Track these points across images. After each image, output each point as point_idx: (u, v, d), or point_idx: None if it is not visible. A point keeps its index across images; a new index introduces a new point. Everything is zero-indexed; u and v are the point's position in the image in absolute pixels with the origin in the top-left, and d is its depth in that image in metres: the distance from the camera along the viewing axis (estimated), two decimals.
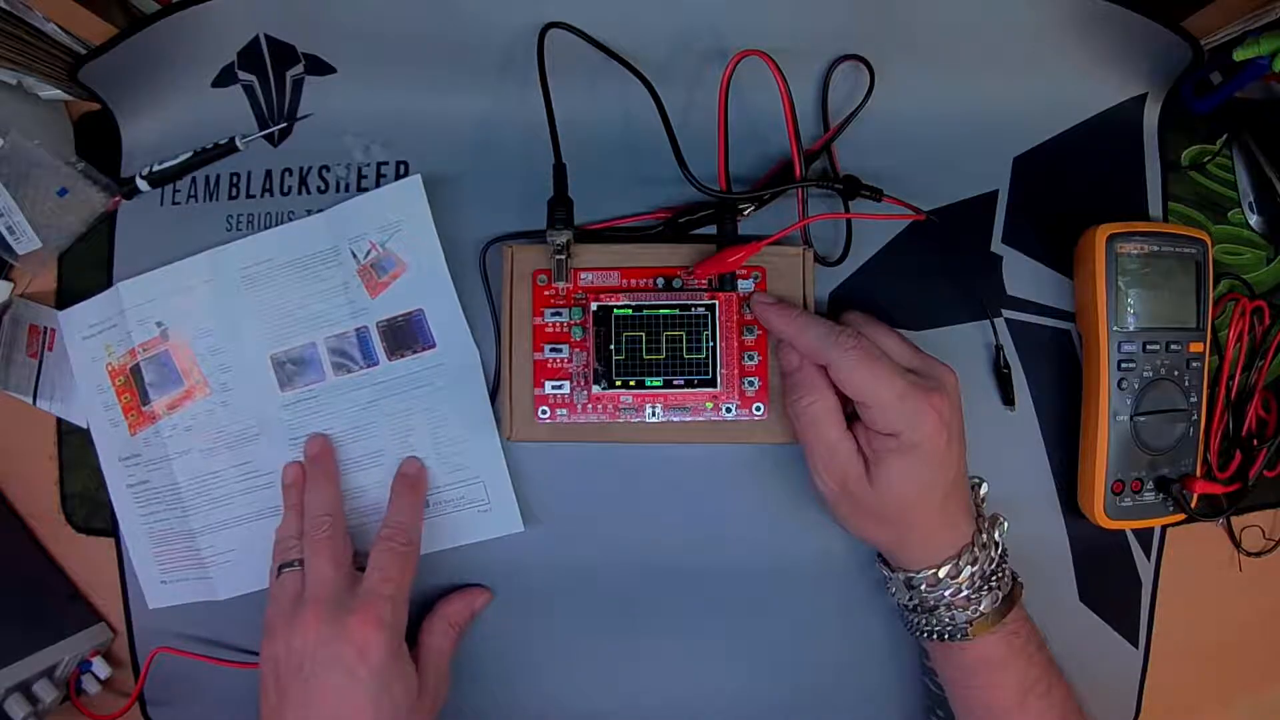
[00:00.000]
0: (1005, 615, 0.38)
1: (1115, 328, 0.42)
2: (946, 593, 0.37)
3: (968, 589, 0.37)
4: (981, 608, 0.37)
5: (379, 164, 0.45)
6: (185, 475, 0.44)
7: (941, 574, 0.37)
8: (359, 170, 0.45)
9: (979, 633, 0.37)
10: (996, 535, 0.39)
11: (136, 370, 0.45)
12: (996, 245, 0.45)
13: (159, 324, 0.44)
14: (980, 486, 0.42)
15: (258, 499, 0.44)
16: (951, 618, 0.38)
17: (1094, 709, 0.44)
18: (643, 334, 0.41)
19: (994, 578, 0.38)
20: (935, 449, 0.36)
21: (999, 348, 0.44)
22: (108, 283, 0.45)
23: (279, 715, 0.37)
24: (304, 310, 0.44)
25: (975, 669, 0.38)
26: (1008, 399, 0.44)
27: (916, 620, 0.39)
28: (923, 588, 0.38)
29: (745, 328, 0.42)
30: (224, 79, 0.45)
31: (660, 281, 0.42)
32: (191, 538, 0.44)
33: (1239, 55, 0.41)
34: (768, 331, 0.41)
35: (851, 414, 0.38)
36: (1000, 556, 0.39)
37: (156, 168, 0.45)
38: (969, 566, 0.37)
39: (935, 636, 0.38)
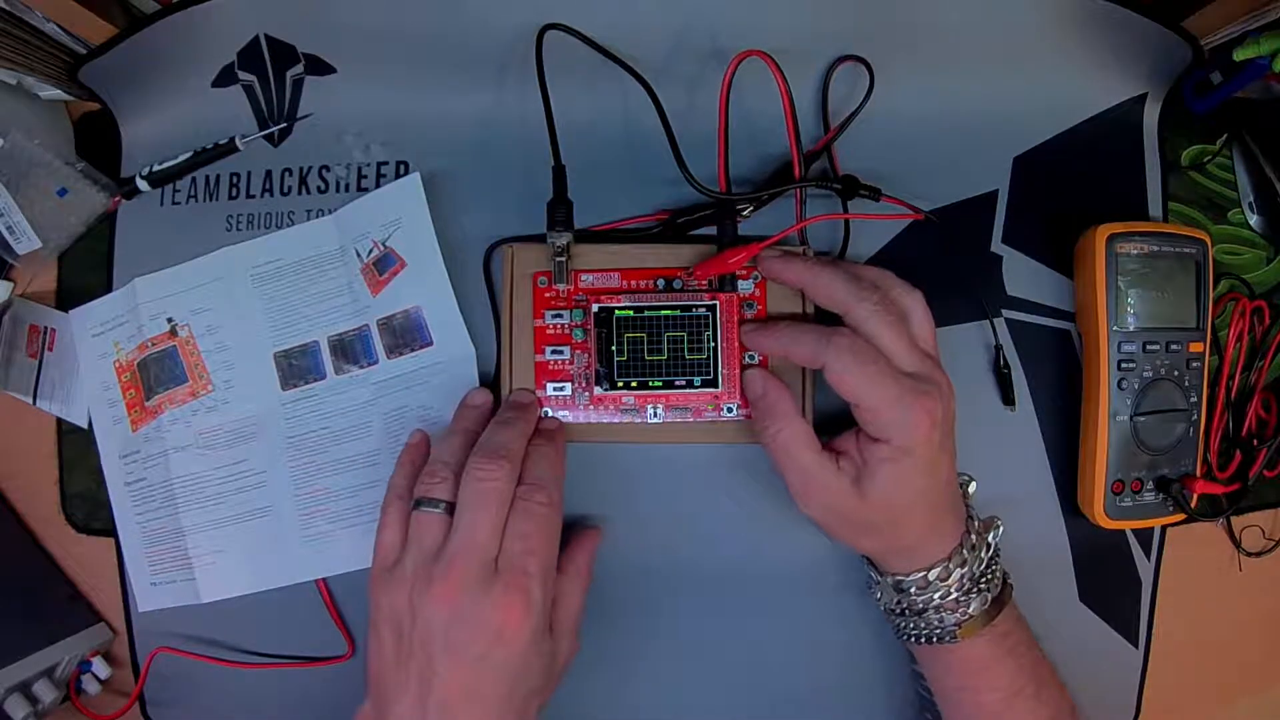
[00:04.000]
0: (995, 617, 0.37)
1: (1115, 328, 0.42)
2: (936, 595, 0.37)
3: (957, 591, 0.37)
4: (970, 610, 0.37)
5: (379, 164, 0.45)
6: (180, 472, 0.44)
7: (931, 576, 0.37)
8: (359, 170, 0.45)
9: (968, 634, 0.37)
10: (990, 538, 0.39)
11: (144, 365, 0.45)
12: (996, 245, 0.45)
13: (169, 320, 0.45)
14: (969, 485, 0.42)
15: (248, 499, 0.44)
16: (940, 620, 0.37)
17: (1094, 709, 0.44)
18: (644, 335, 0.41)
19: (984, 579, 0.38)
20: (927, 455, 0.35)
21: (999, 348, 0.44)
22: (108, 282, 0.46)
23: (398, 675, 0.34)
24: (309, 309, 0.44)
25: (964, 671, 0.38)
26: (1008, 399, 0.44)
27: (904, 624, 0.39)
28: (912, 591, 0.38)
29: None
30: (224, 79, 0.45)
31: (661, 282, 0.42)
32: (180, 536, 0.44)
33: (1239, 55, 0.41)
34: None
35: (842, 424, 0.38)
36: (990, 558, 0.39)
37: (156, 168, 0.45)
38: (958, 569, 0.37)
39: (924, 640, 0.38)
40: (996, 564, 0.39)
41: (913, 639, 0.39)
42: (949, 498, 0.38)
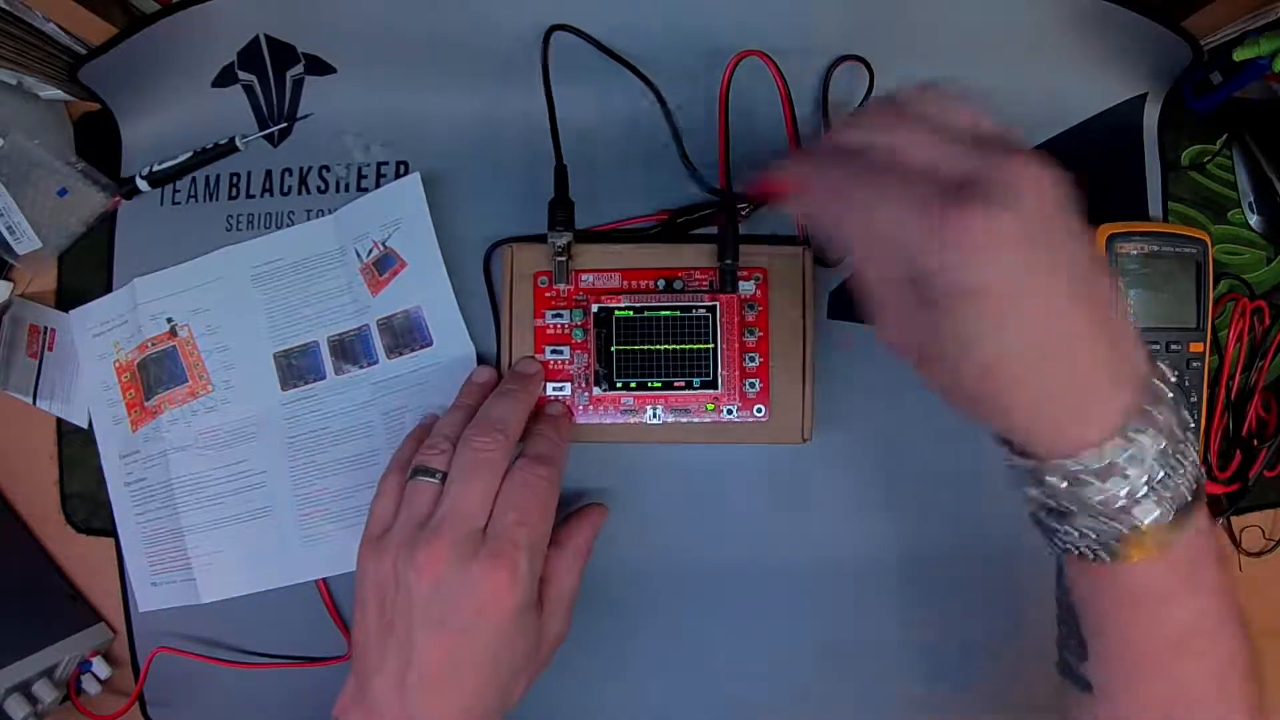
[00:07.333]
0: (1179, 532, 0.25)
1: None
2: (1090, 493, 0.25)
3: (1128, 488, 0.25)
4: (1141, 519, 0.25)
5: (379, 164, 0.45)
6: (179, 472, 0.44)
7: (1080, 464, 0.25)
8: (359, 170, 0.45)
9: (1135, 555, 0.25)
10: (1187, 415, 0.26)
11: (143, 365, 0.45)
12: None
13: (169, 320, 0.45)
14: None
15: (248, 499, 0.44)
16: (1095, 530, 0.26)
17: None
18: (644, 335, 0.41)
19: (1173, 472, 0.25)
20: (1004, 299, 0.23)
21: None
22: (108, 282, 0.46)
23: (380, 647, 0.33)
24: (309, 309, 0.44)
25: (1121, 603, 0.27)
26: None
27: (1056, 528, 0.27)
28: (1057, 482, 0.26)
29: (746, 329, 0.42)
30: (224, 79, 0.45)
31: (661, 283, 0.42)
32: (180, 536, 0.44)
33: (1239, 55, 0.41)
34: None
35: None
36: (1182, 441, 0.25)
37: (156, 168, 0.45)
38: (1123, 454, 0.24)
39: (1077, 551, 0.27)
40: (1188, 452, 0.26)
41: (1065, 549, 0.28)
42: (1095, 348, 0.24)
